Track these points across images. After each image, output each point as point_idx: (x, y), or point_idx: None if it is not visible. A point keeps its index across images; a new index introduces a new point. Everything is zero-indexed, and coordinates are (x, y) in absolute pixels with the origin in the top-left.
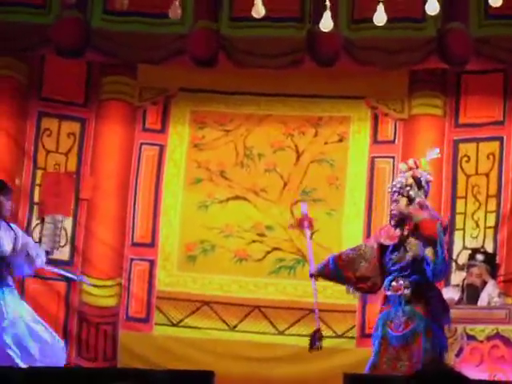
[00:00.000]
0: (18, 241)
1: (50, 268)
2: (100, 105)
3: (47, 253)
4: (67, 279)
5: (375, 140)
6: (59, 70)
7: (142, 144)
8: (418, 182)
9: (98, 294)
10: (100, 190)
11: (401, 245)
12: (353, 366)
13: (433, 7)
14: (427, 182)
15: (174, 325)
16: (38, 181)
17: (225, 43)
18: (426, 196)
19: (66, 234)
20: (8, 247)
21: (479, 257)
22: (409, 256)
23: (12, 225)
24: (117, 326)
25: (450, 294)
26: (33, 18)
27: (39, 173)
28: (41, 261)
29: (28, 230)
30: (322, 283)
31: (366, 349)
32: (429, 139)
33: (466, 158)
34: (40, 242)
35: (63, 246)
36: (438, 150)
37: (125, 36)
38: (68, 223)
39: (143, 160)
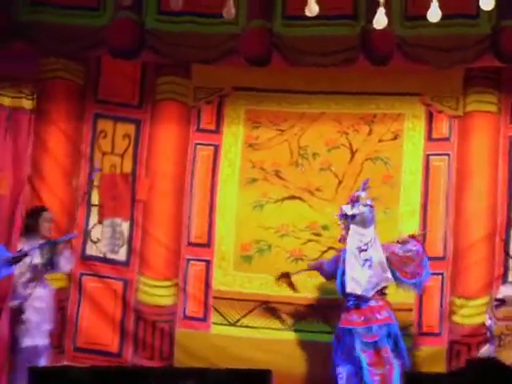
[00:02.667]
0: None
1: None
2: (155, 106)
3: (105, 254)
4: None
5: (430, 137)
6: (114, 72)
7: (196, 144)
8: None
9: (156, 293)
10: (155, 191)
11: None
12: (411, 363)
13: (487, 2)
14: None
15: (231, 324)
16: (95, 182)
17: (278, 42)
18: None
19: (123, 235)
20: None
21: None
22: None
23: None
24: (174, 325)
25: (508, 291)
26: (88, 20)
27: (97, 174)
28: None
29: (86, 230)
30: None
31: (424, 347)
32: (484, 136)
33: None
34: (98, 243)
35: (120, 247)
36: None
37: (179, 36)
38: (125, 226)
39: (198, 160)
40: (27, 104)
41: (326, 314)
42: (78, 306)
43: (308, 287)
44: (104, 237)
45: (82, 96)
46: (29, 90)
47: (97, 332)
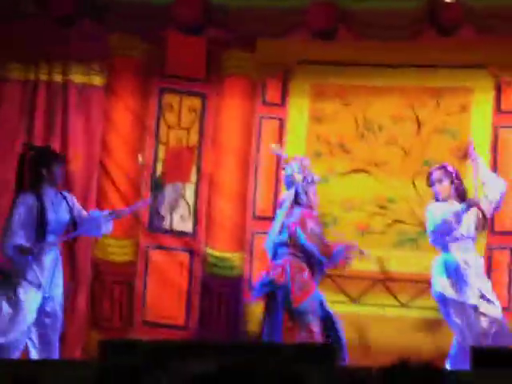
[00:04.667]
0: (74, 211)
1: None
2: (220, 80)
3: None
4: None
5: (499, 109)
6: (180, 47)
7: (261, 118)
8: None
9: (222, 265)
10: (221, 164)
11: None
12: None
13: None
14: None
15: None
16: (160, 156)
17: (344, 16)
18: None
19: (189, 207)
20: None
21: None
22: None
23: (65, 193)
24: (240, 298)
25: None
26: None
27: (161, 148)
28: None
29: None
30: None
31: None
32: None
33: None
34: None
35: (187, 219)
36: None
37: (244, 11)
38: (191, 196)
39: (263, 133)
40: (97, 81)
41: (394, 287)
42: (145, 279)
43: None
44: (165, 200)
45: (149, 71)
46: (98, 67)
47: (164, 305)
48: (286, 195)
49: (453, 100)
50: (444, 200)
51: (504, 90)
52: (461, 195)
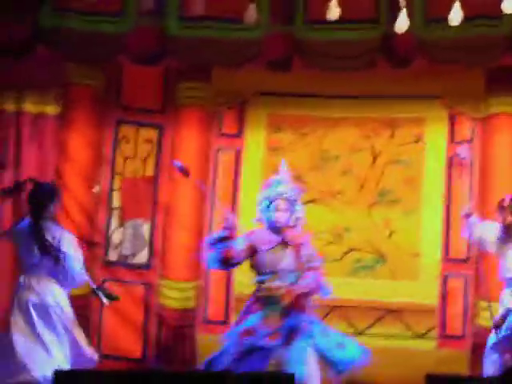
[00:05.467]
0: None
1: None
2: (177, 111)
3: (126, 258)
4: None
5: (452, 140)
6: (136, 78)
7: (218, 148)
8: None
9: (177, 296)
10: (177, 195)
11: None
12: (434, 366)
13: (510, 5)
14: None
15: None
16: (115, 186)
17: (300, 46)
18: None
19: (144, 238)
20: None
21: None
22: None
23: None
24: (195, 329)
25: None
26: (110, 26)
27: (117, 178)
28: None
29: (107, 235)
30: (404, 283)
31: (447, 349)
32: (507, 138)
33: None
34: (119, 247)
35: (142, 250)
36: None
37: (200, 42)
38: (146, 227)
39: (220, 164)
40: (51, 110)
41: (350, 314)
42: (101, 312)
43: None
44: (125, 238)
45: (105, 102)
46: (53, 96)
47: (120, 338)
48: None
49: (407, 130)
50: None
51: (457, 121)
52: None
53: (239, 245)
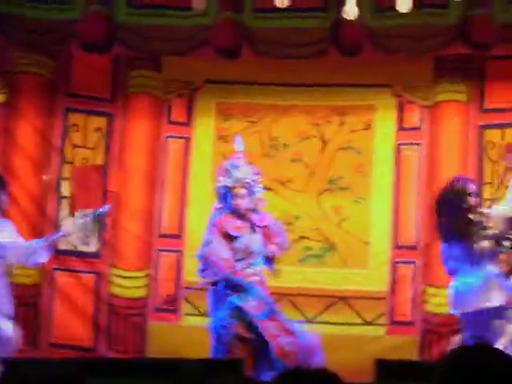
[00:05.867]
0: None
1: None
2: (126, 99)
3: (76, 247)
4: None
5: (401, 127)
6: (85, 66)
7: (168, 137)
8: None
9: (127, 285)
10: (127, 183)
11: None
12: (384, 352)
13: None
14: None
15: (202, 314)
16: (65, 175)
17: (249, 34)
18: None
19: (94, 227)
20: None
21: (506, 243)
22: None
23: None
24: (146, 318)
25: None
26: (58, 13)
27: (67, 167)
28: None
29: (57, 224)
30: (354, 270)
31: (397, 336)
32: (454, 125)
33: (491, 144)
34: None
35: (91, 239)
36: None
37: (149, 29)
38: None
39: (170, 152)
40: None
41: (300, 302)
42: (51, 301)
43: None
44: (76, 228)
45: (53, 90)
46: None
47: (70, 327)
48: None
49: (357, 118)
50: None
51: (406, 109)
52: None
53: (223, 250)
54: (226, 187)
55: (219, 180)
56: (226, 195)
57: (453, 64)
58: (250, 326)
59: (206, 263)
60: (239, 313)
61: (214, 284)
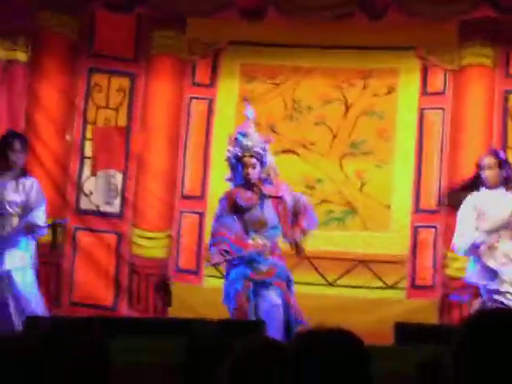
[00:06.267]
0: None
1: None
2: (149, 59)
3: (98, 207)
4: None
5: (425, 91)
6: (109, 25)
7: (191, 98)
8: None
9: (149, 245)
10: (150, 144)
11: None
12: (404, 316)
13: None
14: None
15: (223, 277)
16: (88, 135)
17: None
18: None
19: (117, 188)
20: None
21: None
22: None
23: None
24: (167, 278)
25: None
26: None
27: (89, 128)
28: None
29: (79, 184)
30: (375, 234)
31: (417, 299)
32: (479, 90)
33: None
34: (91, 196)
35: (114, 199)
36: None
37: None
38: (119, 177)
39: (193, 114)
40: (22, 56)
41: (321, 265)
42: (73, 260)
43: None
44: (97, 189)
45: (77, 50)
46: (23, 43)
47: (92, 286)
48: None
49: (380, 82)
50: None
51: (430, 72)
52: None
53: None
54: (235, 157)
55: (228, 150)
56: (236, 165)
57: (478, 27)
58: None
59: (215, 239)
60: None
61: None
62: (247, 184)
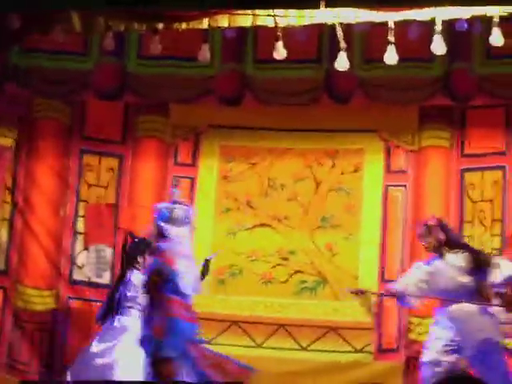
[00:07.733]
0: None
1: None
2: (136, 142)
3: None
4: None
5: (388, 170)
6: (99, 112)
7: (174, 177)
8: None
9: None
10: (137, 220)
11: None
12: (371, 377)
13: (440, 48)
14: None
15: (206, 343)
16: (80, 212)
17: (250, 83)
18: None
19: (107, 261)
20: None
21: None
22: None
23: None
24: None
25: None
26: (75, 64)
27: (82, 205)
28: None
29: (72, 257)
30: (344, 303)
31: (383, 362)
32: (438, 168)
33: (471, 186)
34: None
35: (104, 272)
36: None
37: (158, 78)
38: (109, 250)
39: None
40: (9, 142)
41: (295, 332)
42: (66, 327)
43: (274, 308)
44: (89, 262)
45: (69, 133)
46: (14, 129)
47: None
48: None
49: (347, 161)
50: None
51: (392, 153)
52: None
53: None
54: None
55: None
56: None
57: (436, 112)
58: None
59: None
60: None
61: None
62: None
